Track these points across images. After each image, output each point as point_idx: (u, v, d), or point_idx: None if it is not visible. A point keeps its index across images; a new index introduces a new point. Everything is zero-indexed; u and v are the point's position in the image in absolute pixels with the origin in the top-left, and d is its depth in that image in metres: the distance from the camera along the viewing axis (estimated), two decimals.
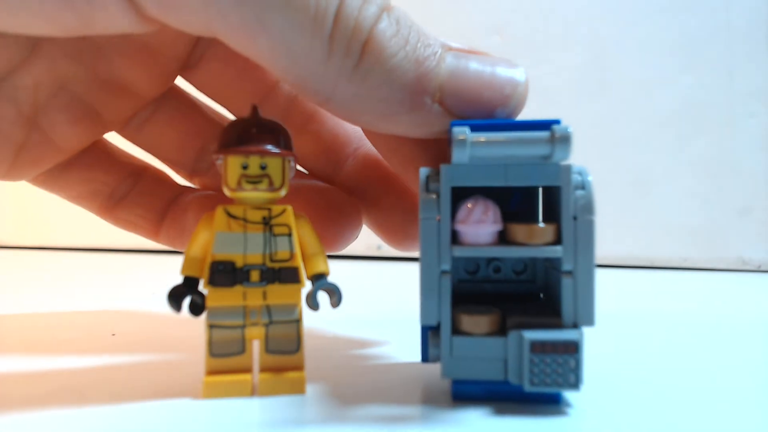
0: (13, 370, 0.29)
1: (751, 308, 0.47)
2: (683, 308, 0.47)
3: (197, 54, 0.32)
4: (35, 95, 0.28)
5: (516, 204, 0.26)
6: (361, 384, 0.27)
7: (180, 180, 0.35)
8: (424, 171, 0.24)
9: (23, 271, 0.72)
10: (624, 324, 0.39)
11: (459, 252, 0.23)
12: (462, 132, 0.22)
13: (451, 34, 0.79)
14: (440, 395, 0.25)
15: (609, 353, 0.31)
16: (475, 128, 0.23)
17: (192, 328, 0.39)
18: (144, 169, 0.34)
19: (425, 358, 0.26)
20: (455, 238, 0.24)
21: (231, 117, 0.35)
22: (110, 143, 0.34)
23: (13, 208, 0.94)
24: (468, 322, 0.24)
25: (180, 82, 0.33)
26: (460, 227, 0.23)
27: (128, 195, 0.34)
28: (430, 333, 0.24)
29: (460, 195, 0.24)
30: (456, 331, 0.24)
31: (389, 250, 0.78)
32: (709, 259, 0.69)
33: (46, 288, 0.58)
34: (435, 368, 0.28)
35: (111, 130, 0.32)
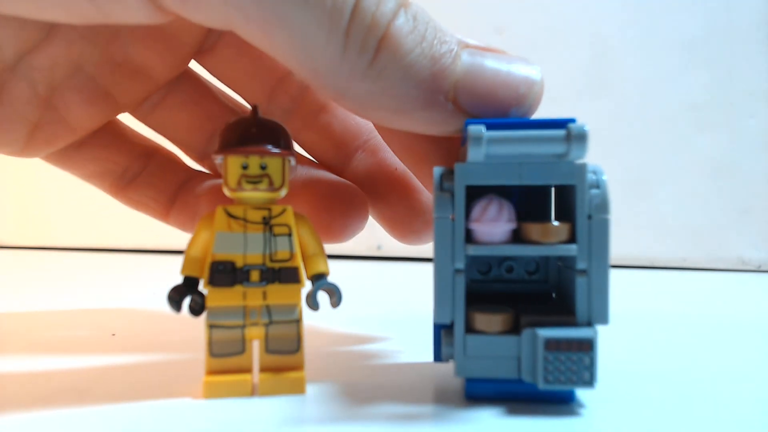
0: (13, 370, 0.29)
1: (751, 308, 0.47)
2: (683, 308, 0.47)
3: (212, 40, 0.32)
4: (51, 76, 0.29)
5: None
6: (370, 383, 0.27)
7: (191, 163, 0.36)
8: (438, 170, 0.24)
9: (23, 271, 0.72)
10: (624, 324, 0.39)
11: (473, 250, 0.23)
12: (478, 130, 0.22)
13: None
14: (452, 394, 0.25)
15: (610, 353, 0.31)
16: (490, 126, 0.23)
17: (192, 328, 0.39)
18: (155, 151, 0.35)
19: (438, 357, 0.26)
20: (469, 237, 0.24)
21: (243, 102, 0.35)
22: (123, 124, 0.35)
23: (13, 208, 0.93)
24: (482, 320, 0.24)
25: (194, 66, 0.34)
26: (475, 226, 0.23)
27: (140, 175, 0.34)
28: (443, 332, 0.24)
29: (475, 194, 0.24)
30: (469, 329, 0.24)
31: (389, 250, 0.78)
32: (709, 259, 0.69)
33: (47, 288, 0.58)
34: (444, 367, 0.28)
35: (124, 112, 0.32)
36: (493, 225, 0.23)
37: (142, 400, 0.24)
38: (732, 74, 0.67)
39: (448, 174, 0.24)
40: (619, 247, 0.70)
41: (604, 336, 0.30)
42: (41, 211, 0.92)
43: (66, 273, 0.70)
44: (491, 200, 0.23)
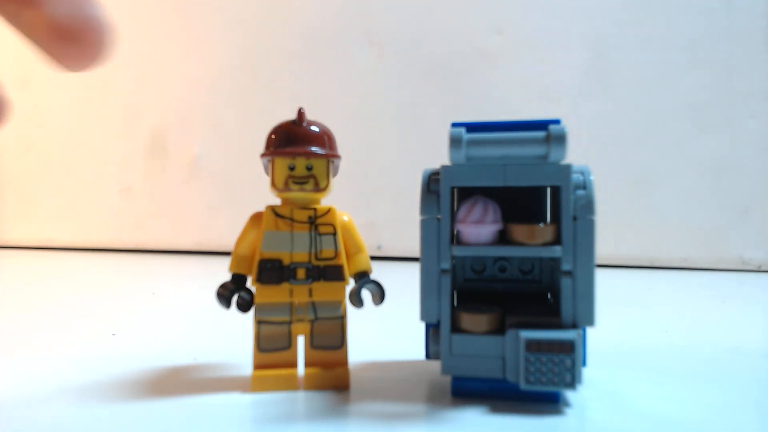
0: (12, 370, 0.29)
1: (751, 308, 0.47)
2: (683, 308, 0.47)
3: None
4: None
5: (509, 202, 0.26)
6: (365, 380, 0.27)
7: None
8: (426, 171, 0.25)
9: (23, 271, 0.72)
10: (624, 324, 0.39)
11: (459, 251, 0.23)
12: (458, 132, 0.22)
13: (453, 33, 0.79)
14: (442, 392, 0.25)
15: (609, 353, 0.31)
16: (471, 128, 0.23)
17: (190, 328, 0.39)
18: None
19: (428, 354, 0.26)
20: (457, 238, 0.24)
21: None
22: None
23: (13, 208, 0.94)
24: (468, 320, 0.24)
25: None
26: (460, 227, 0.24)
27: None
28: (431, 330, 0.25)
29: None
30: (456, 329, 0.24)
31: (389, 250, 0.79)
32: (710, 259, 0.69)
33: (47, 288, 0.58)
34: (437, 365, 0.28)
35: None
36: (478, 226, 0.23)
37: (140, 400, 0.25)
38: (732, 74, 0.67)
39: (436, 176, 0.24)
40: (619, 247, 0.70)
41: (602, 336, 0.30)
42: (41, 211, 0.93)
43: (65, 273, 0.70)
44: (477, 201, 0.23)
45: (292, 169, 0.26)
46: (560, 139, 0.22)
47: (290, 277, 0.26)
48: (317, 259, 0.26)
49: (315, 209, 0.26)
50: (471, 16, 0.74)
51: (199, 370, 0.29)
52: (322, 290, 0.26)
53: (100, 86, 0.91)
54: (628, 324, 0.39)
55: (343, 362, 0.27)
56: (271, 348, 0.26)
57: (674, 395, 0.25)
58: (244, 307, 0.26)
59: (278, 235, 0.26)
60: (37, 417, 0.23)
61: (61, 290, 0.57)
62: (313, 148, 0.26)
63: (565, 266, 0.23)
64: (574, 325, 0.23)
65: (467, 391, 0.24)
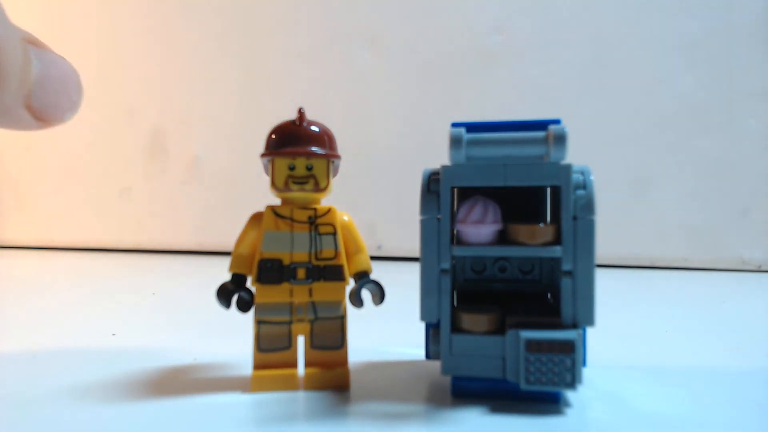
0: (12, 370, 0.29)
1: (751, 308, 0.47)
2: (683, 308, 0.47)
3: None
4: None
5: (510, 202, 0.26)
6: (365, 380, 0.27)
7: None
8: (426, 171, 0.25)
9: (23, 271, 0.72)
10: (624, 324, 0.39)
11: (459, 251, 0.23)
12: (458, 132, 0.22)
13: (452, 34, 0.79)
14: (442, 392, 0.25)
15: (609, 353, 0.31)
16: (471, 128, 0.23)
17: (190, 328, 0.39)
18: None
19: (428, 354, 0.26)
20: (457, 238, 0.24)
21: None
22: None
23: (13, 208, 0.94)
24: (468, 320, 0.24)
25: None
26: (460, 227, 0.24)
27: None
28: (431, 330, 0.25)
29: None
30: (456, 329, 0.24)
31: (390, 250, 0.78)
32: (709, 259, 0.69)
33: (47, 288, 0.58)
34: (437, 365, 0.28)
35: None
36: (479, 226, 0.23)
37: (140, 400, 0.25)
38: (732, 74, 0.67)
39: (437, 176, 0.24)
40: (619, 247, 0.70)
41: (602, 336, 0.30)
42: (41, 211, 0.93)
43: (65, 273, 0.70)
44: (477, 201, 0.23)
45: (292, 169, 0.26)
46: (560, 139, 0.22)
47: (290, 277, 0.26)
48: (317, 259, 0.26)
49: (315, 209, 0.26)
50: (471, 16, 0.74)
51: (199, 370, 0.29)
52: (322, 290, 0.26)
53: (100, 86, 0.91)
54: (628, 324, 0.40)
55: (343, 362, 0.27)
56: (271, 348, 0.26)
57: (674, 395, 0.25)
58: (244, 307, 0.26)
59: (278, 235, 0.26)
60: (37, 417, 0.23)
61: (60, 290, 0.57)
62: (313, 148, 0.26)
63: (565, 266, 0.23)
64: (574, 325, 0.23)
65: (467, 391, 0.24)
